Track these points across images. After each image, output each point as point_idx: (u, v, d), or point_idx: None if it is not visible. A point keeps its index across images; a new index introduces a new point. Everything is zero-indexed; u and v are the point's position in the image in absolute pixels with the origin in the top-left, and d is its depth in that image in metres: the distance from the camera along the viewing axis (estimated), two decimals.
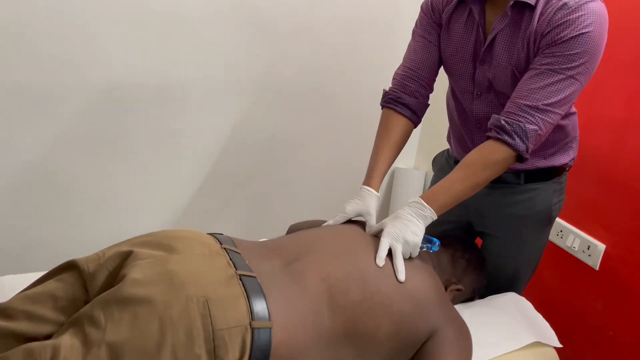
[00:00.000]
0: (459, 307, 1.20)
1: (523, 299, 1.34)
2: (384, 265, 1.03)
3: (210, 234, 1.01)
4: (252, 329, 0.81)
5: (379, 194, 1.27)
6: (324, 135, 2.16)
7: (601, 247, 1.64)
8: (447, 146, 1.64)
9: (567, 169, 1.38)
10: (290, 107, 2.03)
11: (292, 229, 1.39)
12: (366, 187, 1.26)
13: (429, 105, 1.38)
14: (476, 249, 1.33)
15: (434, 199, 1.14)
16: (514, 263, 1.42)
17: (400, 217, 1.13)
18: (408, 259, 1.08)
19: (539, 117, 1.12)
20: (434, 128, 1.55)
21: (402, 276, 1.02)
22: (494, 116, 1.16)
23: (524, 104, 1.12)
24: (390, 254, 1.06)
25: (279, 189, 2.16)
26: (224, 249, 0.95)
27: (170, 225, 1.98)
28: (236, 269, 0.90)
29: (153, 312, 0.79)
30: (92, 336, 0.77)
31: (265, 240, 1.11)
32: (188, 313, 0.79)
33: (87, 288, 0.88)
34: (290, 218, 1.47)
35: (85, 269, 0.88)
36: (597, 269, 1.65)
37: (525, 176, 1.34)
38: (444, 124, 1.70)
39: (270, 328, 0.83)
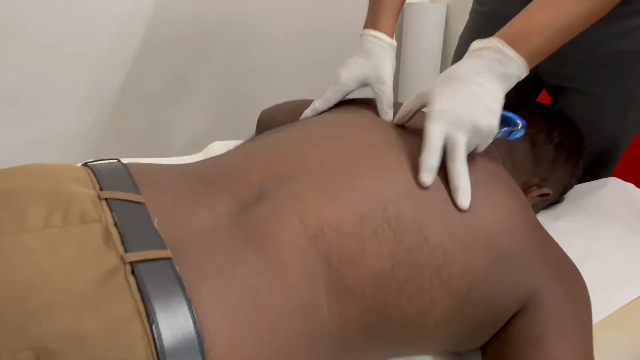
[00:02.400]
0: (541, 219, 0.72)
1: (632, 187, 0.86)
2: (431, 183, 0.54)
3: (86, 166, 0.52)
4: None
5: (394, 41, 0.74)
6: None
7: None
8: None
9: None
10: None
11: (265, 122, 0.89)
12: (372, 31, 0.74)
13: None
14: (569, 122, 0.81)
15: (522, 38, 0.59)
16: (612, 130, 0.92)
17: (461, 80, 0.58)
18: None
19: None
20: None
21: (466, 198, 0.53)
22: None
23: None
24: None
25: (239, 72, 1.55)
26: (106, 201, 0.46)
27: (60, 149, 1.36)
28: (126, 249, 0.42)
29: None
30: None
31: (201, 162, 0.61)
32: None
33: None
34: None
35: None
36: None
37: None
38: None
39: None
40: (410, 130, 0.63)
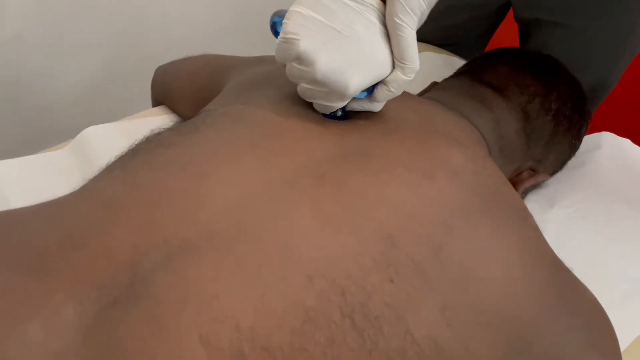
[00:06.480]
0: (530, 207, 0.52)
1: (628, 144, 0.70)
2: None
3: None
4: None
5: None
6: None
7: None
8: None
9: None
10: None
11: (160, 88, 0.66)
12: None
13: None
14: (566, 77, 0.60)
15: None
16: (600, 70, 0.74)
17: None
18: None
19: None
20: None
21: None
22: None
23: None
24: None
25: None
26: None
27: None
28: None
29: None
30: None
31: (35, 215, 0.37)
32: None
33: None
34: None
35: None
36: None
37: None
38: None
39: None
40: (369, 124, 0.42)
